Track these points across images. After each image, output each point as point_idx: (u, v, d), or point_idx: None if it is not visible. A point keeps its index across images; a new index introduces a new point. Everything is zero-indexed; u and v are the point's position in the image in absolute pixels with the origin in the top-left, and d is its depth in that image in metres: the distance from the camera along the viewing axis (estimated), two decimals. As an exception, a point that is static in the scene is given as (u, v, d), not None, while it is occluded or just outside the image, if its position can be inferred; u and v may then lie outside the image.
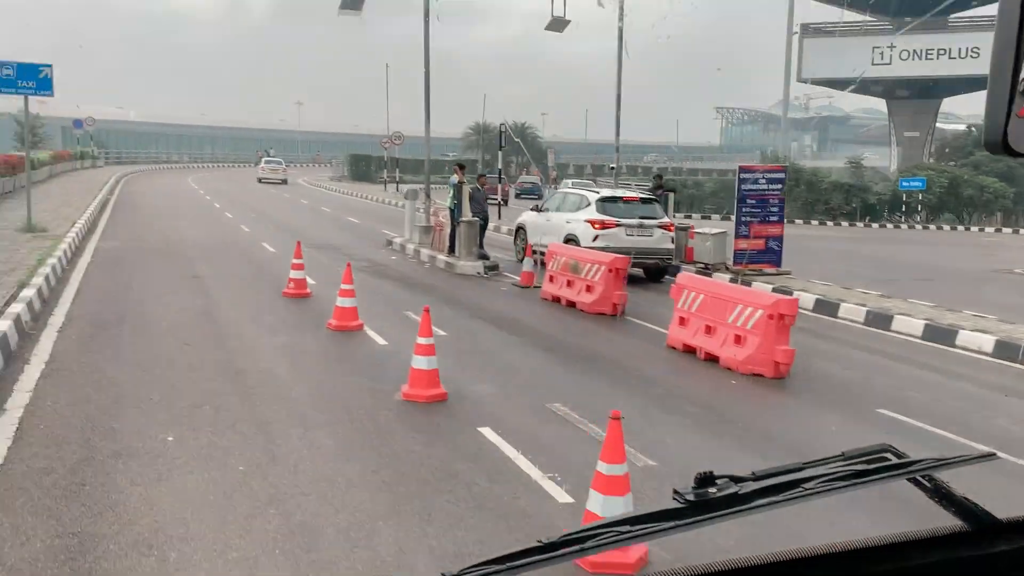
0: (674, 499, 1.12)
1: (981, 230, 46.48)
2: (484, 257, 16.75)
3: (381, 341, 9.88)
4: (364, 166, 64.88)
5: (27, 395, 7.09)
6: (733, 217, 16.93)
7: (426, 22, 18.97)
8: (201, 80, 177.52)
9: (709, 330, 9.78)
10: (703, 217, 39.73)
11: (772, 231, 16.41)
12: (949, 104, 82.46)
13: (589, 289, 12.67)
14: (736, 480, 1.15)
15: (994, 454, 1.43)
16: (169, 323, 10.36)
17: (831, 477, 1.19)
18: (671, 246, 16.30)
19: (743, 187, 16.21)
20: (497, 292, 14.50)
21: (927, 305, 13.34)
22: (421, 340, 7.55)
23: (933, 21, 68.38)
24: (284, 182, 53.75)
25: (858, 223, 44.19)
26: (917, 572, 1.19)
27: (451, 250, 17.31)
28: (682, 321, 10.26)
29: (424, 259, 18.15)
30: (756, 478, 1.16)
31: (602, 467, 4.41)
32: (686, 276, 10.82)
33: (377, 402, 7.41)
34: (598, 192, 16.75)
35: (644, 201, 16.56)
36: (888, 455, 1.28)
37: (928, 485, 1.25)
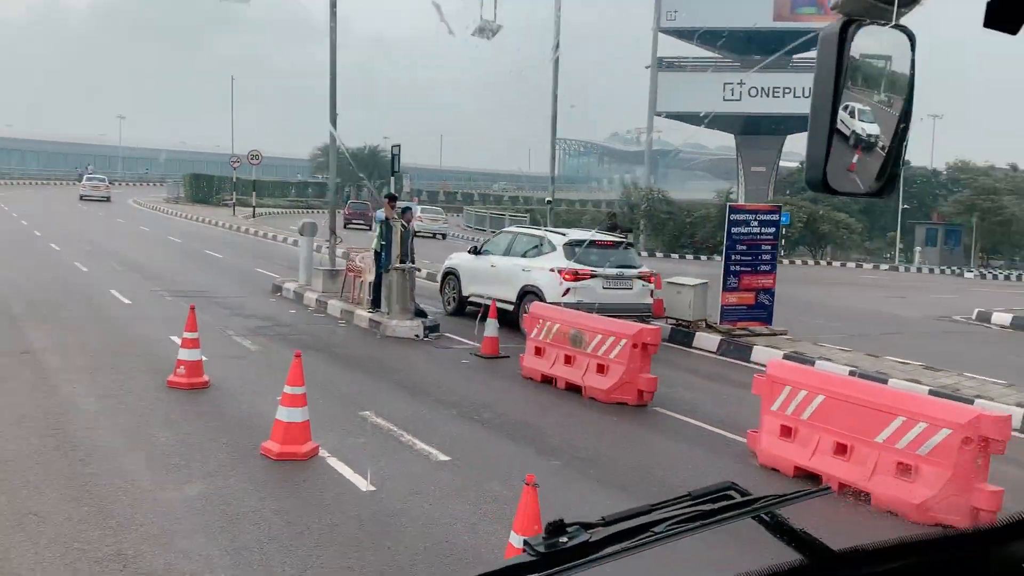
0: (525, 551, 1.09)
1: (843, 264, 47.32)
2: (421, 314, 13.18)
3: (361, 484, 6.20)
4: (206, 187, 58.67)
5: None
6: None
7: (332, 23, 15.28)
8: (8, 89, 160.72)
9: (842, 450, 6.82)
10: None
11: (764, 283, 13.87)
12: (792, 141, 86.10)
13: (602, 370, 9.47)
14: (587, 527, 1.14)
15: (829, 488, 1.52)
16: (-7, 457, 6.23)
17: (679, 519, 1.21)
18: (651, 301, 13.42)
19: (733, 230, 13.58)
20: (457, 366, 11.01)
21: (985, 379, 11.10)
22: None
23: (778, 61, 70.90)
24: (107, 199, 50.60)
25: (715, 256, 43.53)
26: None
27: (374, 304, 13.61)
28: (787, 431, 7.26)
29: (335, 314, 14.31)
30: (606, 523, 1.16)
31: None
32: (783, 365, 7.87)
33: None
34: (564, 234, 13.62)
35: (619, 245, 13.60)
36: (732, 492, 1.30)
37: (770, 522, 1.28)
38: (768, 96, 72.30)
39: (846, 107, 1.13)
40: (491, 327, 11.65)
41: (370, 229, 43.42)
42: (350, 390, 9.18)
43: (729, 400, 9.97)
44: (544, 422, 8.42)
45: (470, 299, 14.71)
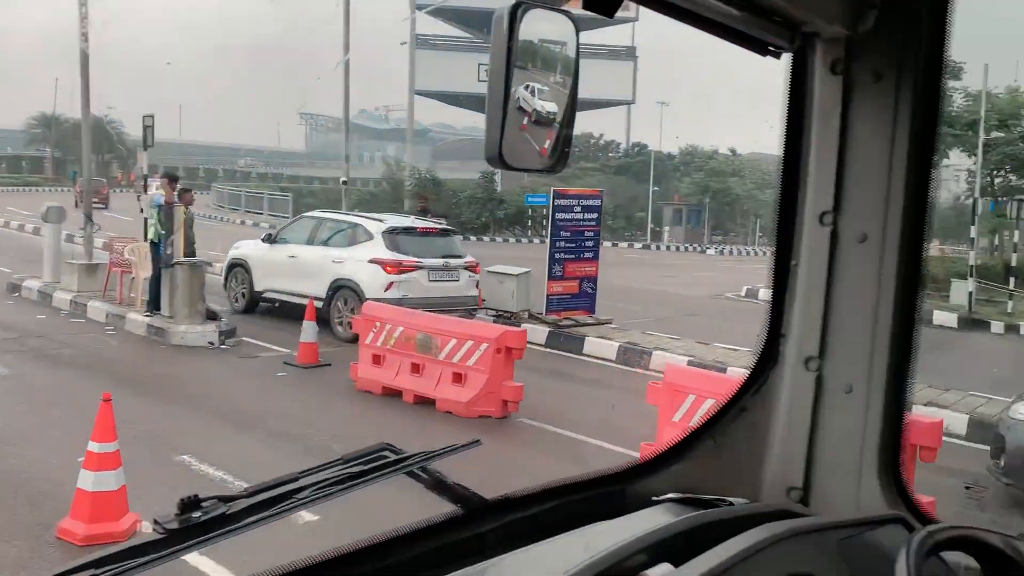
0: (155, 530, 1.05)
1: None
2: (213, 316, 11.17)
3: (217, 574, 4.59)
4: None
5: None
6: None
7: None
8: None
9: (762, 464, 6.23)
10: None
11: (587, 270, 13.34)
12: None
13: (459, 379, 8.30)
14: (226, 500, 1.11)
15: (478, 441, 1.47)
16: None
17: (328, 482, 1.22)
18: (476, 292, 12.41)
19: (558, 216, 12.88)
20: (276, 381, 9.31)
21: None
22: None
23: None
24: None
25: (484, 238, 43.74)
26: (417, 562, 1.24)
27: (153, 306, 11.34)
28: (696, 446, 6.56)
29: (99, 319, 11.80)
30: (249, 494, 1.13)
31: None
32: (681, 371, 7.17)
33: None
34: (382, 220, 12.16)
35: (442, 233, 12.42)
36: (387, 453, 1.34)
37: (427, 478, 1.34)
38: (523, 79, 73.93)
39: (527, 86, 1.15)
40: (309, 331, 10.02)
41: (106, 208, 38.58)
42: (152, 426, 7.25)
43: (592, 403, 9.24)
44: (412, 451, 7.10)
45: (264, 295, 12.89)
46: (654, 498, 1.48)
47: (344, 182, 16.89)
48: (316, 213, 13.73)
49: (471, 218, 47.00)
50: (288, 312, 12.65)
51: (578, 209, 13.09)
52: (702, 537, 1.27)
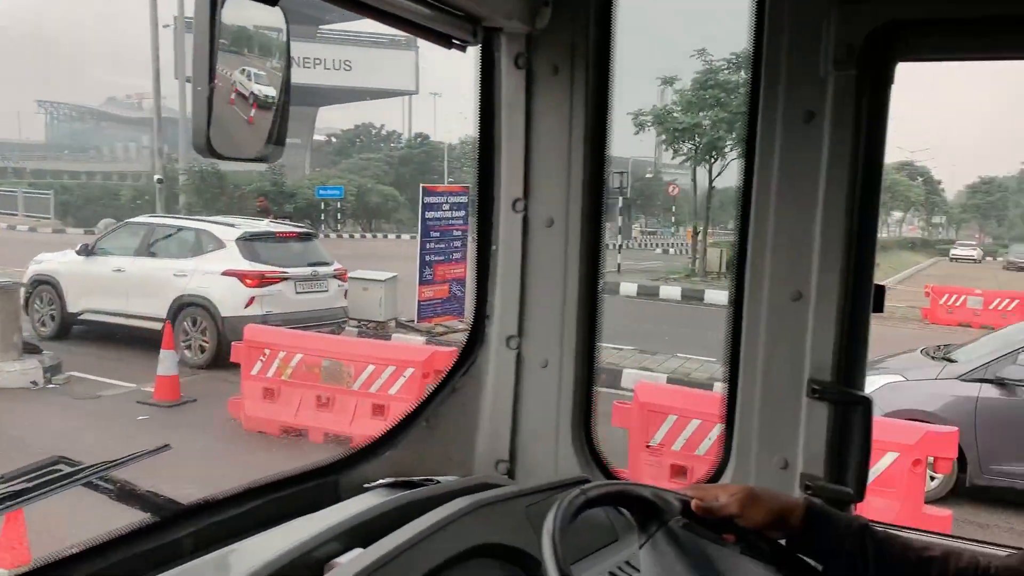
0: None
1: (398, 236, 48.41)
2: (35, 350, 9.12)
3: None
4: None
5: None
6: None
7: None
8: None
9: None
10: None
11: (456, 272, 12.45)
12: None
13: (381, 411, 7.20)
14: None
15: (168, 445, 1.47)
16: None
17: None
18: (347, 303, 11.17)
19: (428, 215, 11.88)
20: (137, 427, 7.64)
21: (700, 359, 11.24)
22: None
23: (304, 31, 69.73)
24: None
25: None
26: (107, 574, 1.15)
27: (-55, 340, 9.05)
28: (679, 471, 6.01)
29: None
30: None
31: None
32: (654, 389, 6.55)
33: None
34: (233, 224, 10.53)
35: (303, 237, 11.00)
36: (61, 466, 1.29)
37: (109, 488, 1.29)
38: (298, 66, 70.82)
39: (243, 70, 1.12)
40: (168, 361, 8.38)
41: None
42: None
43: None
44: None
45: (81, 317, 10.89)
46: (366, 485, 1.49)
47: (159, 180, 14.77)
48: (145, 218, 11.70)
49: (262, 213, 44.42)
50: (110, 336, 10.78)
51: (447, 207, 12.17)
52: (403, 518, 1.26)
